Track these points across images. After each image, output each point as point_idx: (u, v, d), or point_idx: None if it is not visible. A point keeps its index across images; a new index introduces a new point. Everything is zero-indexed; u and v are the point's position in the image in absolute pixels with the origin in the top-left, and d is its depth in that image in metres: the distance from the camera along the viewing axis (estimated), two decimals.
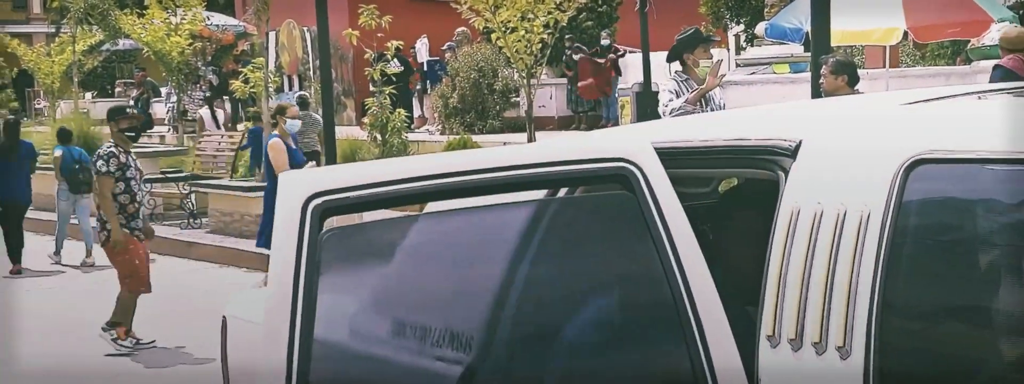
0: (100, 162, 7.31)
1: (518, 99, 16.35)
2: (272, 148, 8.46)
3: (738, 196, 2.78)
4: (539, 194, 2.59)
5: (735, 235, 2.57)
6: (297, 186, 1.95)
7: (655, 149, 2.17)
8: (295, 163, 8.43)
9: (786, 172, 2.20)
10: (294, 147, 8.77)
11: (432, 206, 2.55)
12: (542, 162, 2.12)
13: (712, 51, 6.73)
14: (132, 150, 7.67)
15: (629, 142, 2.15)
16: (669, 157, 2.25)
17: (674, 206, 2.12)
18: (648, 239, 2.11)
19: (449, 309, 2.35)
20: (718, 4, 19.30)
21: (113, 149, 7.34)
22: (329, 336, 2.10)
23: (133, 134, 7.61)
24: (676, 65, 6.68)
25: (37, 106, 27.33)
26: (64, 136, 11.71)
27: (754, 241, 2.32)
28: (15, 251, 10.91)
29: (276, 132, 8.63)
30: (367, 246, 2.16)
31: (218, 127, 15.92)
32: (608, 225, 2.21)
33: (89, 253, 11.12)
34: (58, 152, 11.33)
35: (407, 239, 2.21)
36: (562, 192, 2.67)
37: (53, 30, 22.63)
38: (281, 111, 8.90)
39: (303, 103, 14.26)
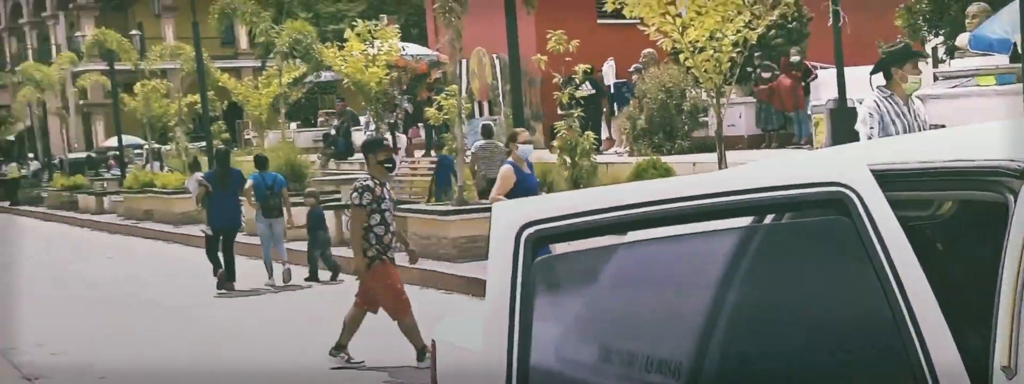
0: (355, 195, 7.37)
1: (706, 119, 16.16)
2: (501, 174, 8.34)
3: (961, 219, 2.66)
4: (745, 220, 2.56)
5: (960, 260, 2.46)
6: (511, 215, 2.00)
7: (871, 171, 2.10)
8: (528, 187, 8.27)
9: (1015, 194, 2.09)
10: (528, 172, 8.62)
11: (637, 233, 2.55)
12: (753, 188, 2.09)
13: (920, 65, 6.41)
14: (387, 181, 7.72)
15: (844, 165, 2.10)
16: (886, 179, 2.18)
17: (895, 232, 2.04)
18: (868, 266, 2.04)
19: (657, 336, 2.34)
20: (915, 16, 18.52)
21: (368, 182, 7.38)
22: (542, 361, 2.14)
23: (390, 166, 7.67)
24: (878, 79, 6.43)
25: (246, 136, 28.94)
26: (260, 163, 12.41)
27: (981, 266, 2.21)
28: (227, 266, 11.63)
29: (511, 158, 8.47)
30: (578, 273, 2.19)
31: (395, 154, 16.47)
32: (824, 252, 2.16)
33: (287, 273, 11.71)
34: (250, 181, 12.01)
35: (616, 266, 2.22)
36: (768, 218, 2.62)
37: (259, 64, 23.96)
38: (513, 138, 8.73)
39: (488, 132, 14.72)
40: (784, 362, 2.27)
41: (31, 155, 36.45)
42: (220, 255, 11.74)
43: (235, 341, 8.91)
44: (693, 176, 2.31)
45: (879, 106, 6.04)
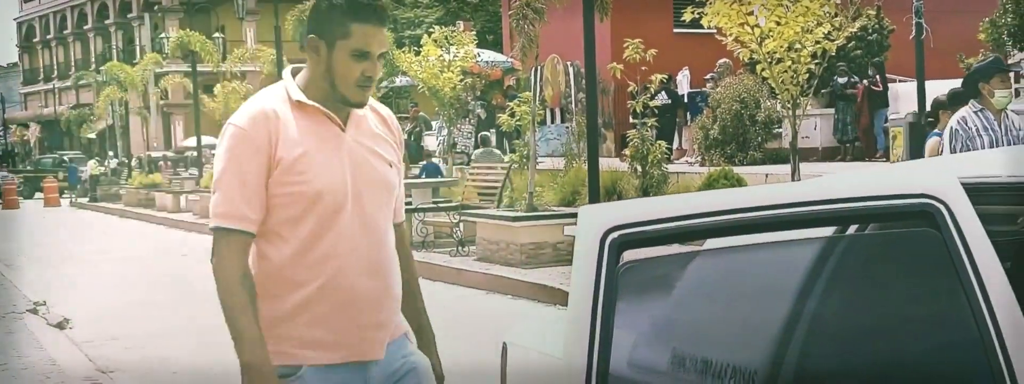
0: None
1: (780, 130, 16.00)
2: (930, 149, 7.56)
3: None
4: (827, 230, 2.54)
5: None
6: (596, 219, 2.02)
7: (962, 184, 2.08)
8: None
9: None
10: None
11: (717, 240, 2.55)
12: (840, 198, 2.08)
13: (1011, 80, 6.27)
14: None
15: (934, 177, 2.08)
16: (975, 193, 2.15)
17: (984, 246, 2.02)
18: (955, 280, 2.02)
19: (737, 344, 2.34)
20: (999, 30, 18.15)
21: None
22: (621, 366, 2.15)
23: None
24: (971, 92, 6.32)
25: None
26: None
27: None
28: None
29: (937, 129, 7.67)
30: (661, 279, 2.20)
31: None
32: (909, 264, 2.14)
33: None
34: None
35: (698, 273, 2.23)
36: (851, 229, 2.61)
37: None
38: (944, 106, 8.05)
39: (485, 141, 15.25)
40: (863, 375, 2.25)
41: (111, 153, 37.38)
42: None
43: None
44: (779, 184, 2.30)
45: (966, 121, 5.95)
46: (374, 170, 2.56)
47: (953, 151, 5.90)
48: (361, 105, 2.53)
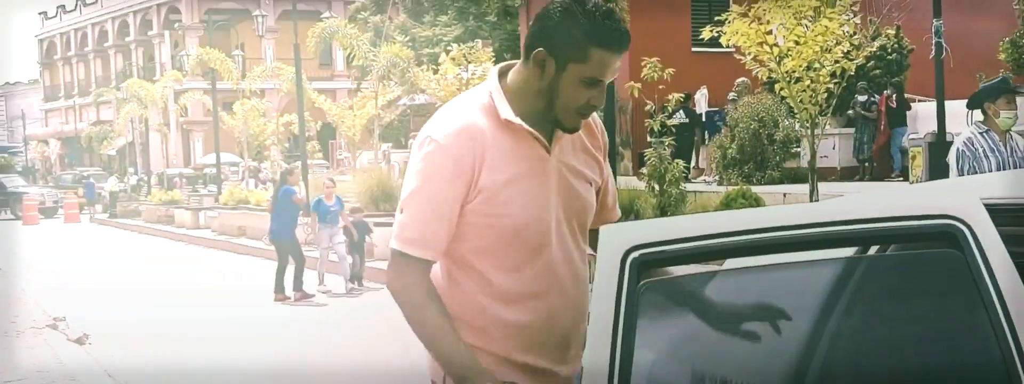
0: None
1: (798, 149, 15.97)
2: None
3: None
4: (847, 250, 2.54)
5: None
6: (617, 239, 2.02)
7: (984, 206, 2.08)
8: None
9: None
10: None
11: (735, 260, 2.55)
12: (862, 218, 2.08)
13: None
14: None
15: (957, 198, 2.07)
16: (998, 214, 2.14)
17: (1007, 267, 2.01)
18: (977, 301, 2.01)
19: (757, 364, 2.33)
20: (1019, 50, 18.09)
21: None
22: None
23: None
24: (977, 114, 6.31)
25: (338, 156, 29.50)
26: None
27: None
28: (294, 280, 12.21)
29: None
30: (682, 299, 2.20)
31: None
32: (931, 285, 2.13)
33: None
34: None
35: (720, 292, 2.23)
36: (873, 250, 2.60)
37: (354, 86, 24.46)
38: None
39: None
40: None
41: (131, 170, 37.61)
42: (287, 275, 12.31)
43: (319, 349, 9.04)
44: (800, 205, 2.30)
45: (972, 142, 5.92)
46: (577, 196, 2.34)
47: (961, 172, 5.86)
48: (574, 132, 2.30)
